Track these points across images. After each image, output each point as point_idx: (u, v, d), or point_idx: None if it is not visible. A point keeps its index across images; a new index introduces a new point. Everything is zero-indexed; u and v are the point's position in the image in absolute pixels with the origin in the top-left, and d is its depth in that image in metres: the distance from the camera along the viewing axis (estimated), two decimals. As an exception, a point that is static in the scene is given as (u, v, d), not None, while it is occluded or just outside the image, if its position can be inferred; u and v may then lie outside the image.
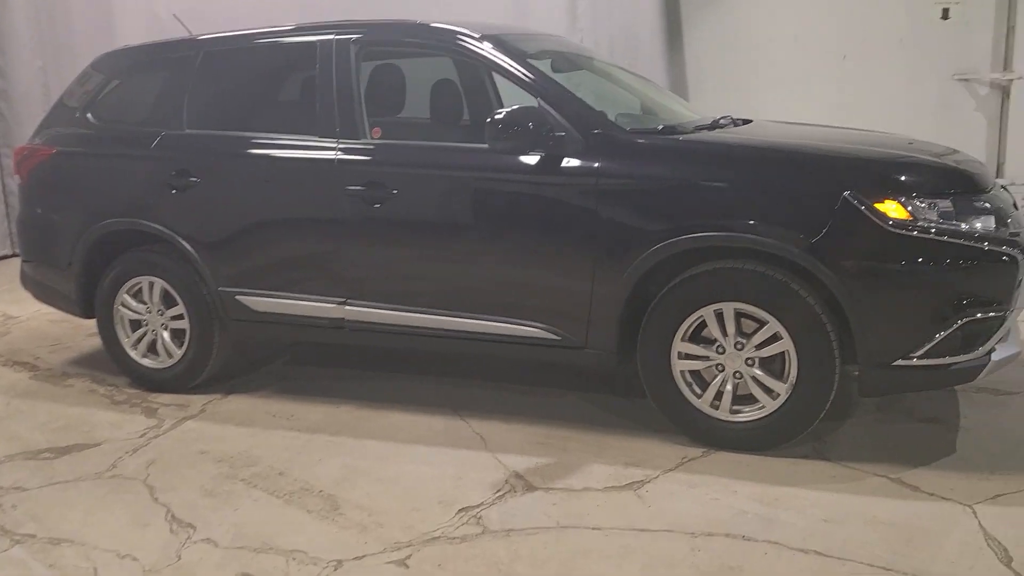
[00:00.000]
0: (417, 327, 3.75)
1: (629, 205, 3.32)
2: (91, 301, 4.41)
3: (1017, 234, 3.13)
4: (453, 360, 4.45)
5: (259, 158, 3.98)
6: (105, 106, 4.45)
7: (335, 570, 2.63)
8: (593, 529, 2.79)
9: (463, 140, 4.37)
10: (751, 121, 3.99)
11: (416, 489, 3.14)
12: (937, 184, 3.12)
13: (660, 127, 3.59)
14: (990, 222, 3.09)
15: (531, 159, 3.43)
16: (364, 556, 2.70)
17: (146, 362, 4.34)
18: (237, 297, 4.06)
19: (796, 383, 3.17)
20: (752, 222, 3.14)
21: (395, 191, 3.68)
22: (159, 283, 4.23)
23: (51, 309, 4.79)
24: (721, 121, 3.87)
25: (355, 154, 3.77)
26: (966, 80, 8.09)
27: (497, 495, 3.05)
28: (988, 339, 3.07)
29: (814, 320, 3.11)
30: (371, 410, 3.94)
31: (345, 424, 3.80)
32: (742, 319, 3.25)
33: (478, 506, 2.98)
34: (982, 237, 3.03)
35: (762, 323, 3.21)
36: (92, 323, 4.46)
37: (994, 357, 3.11)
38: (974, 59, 8.02)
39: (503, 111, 3.34)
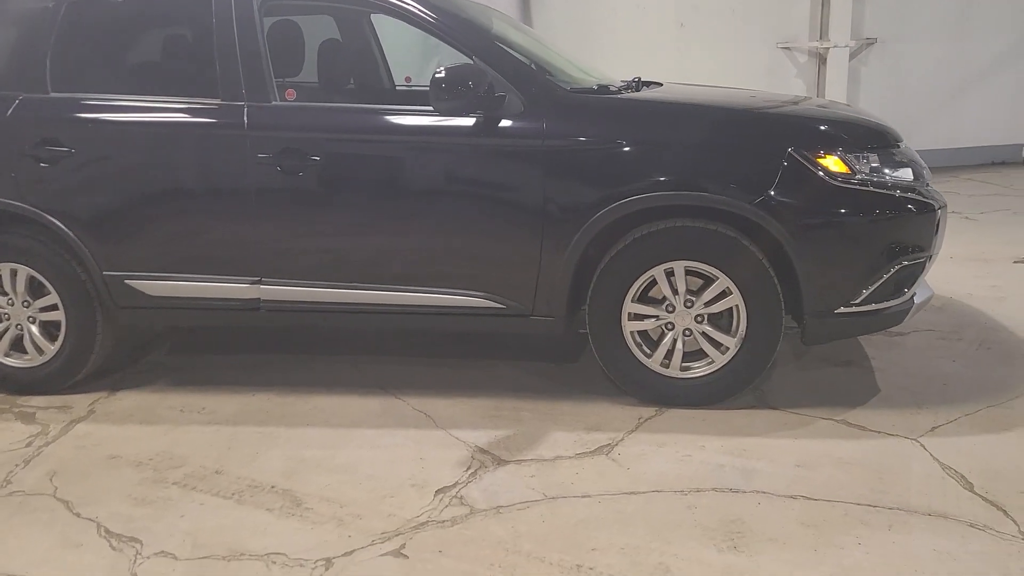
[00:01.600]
0: (347, 304, 3.50)
1: (579, 166, 3.24)
2: (-66, 295, 3.77)
3: (928, 184, 3.36)
4: (361, 337, 4.21)
5: (150, 125, 3.54)
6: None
7: (326, 569, 2.41)
8: (582, 497, 2.73)
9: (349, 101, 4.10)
10: (662, 84, 4.01)
11: (379, 475, 2.93)
12: (864, 139, 3.28)
13: (595, 86, 3.52)
14: (908, 173, 3.28)
15: (472, 120, 3.26)
16: (353, 551, 2.48)
17: (10, 361, 3.79)
18: (127, 281, 3.62)
19: (745, 337, 3.25)
20: (704, 180, 3.16)
21: (316, 158, 3.39)
22: (24, 270, 3.69)
23: None
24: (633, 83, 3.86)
25: (267, 118, 3.43)
26: (788, 48, 8.68)
27: (469, 473, 2.92)
28: (913, 284, 3.29)
29: (763, 274, 3.19)
30: (291, 396, 3.65)
31: (268, 413, 3.49)
32: (687, 277, 3.27)
33: (454, 486, 2.83)
34: (908, 187, 3.21)
35: (709, 279, 3.25)
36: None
37: (916, 300, 3.33)
38: (795, 28, 8.62)
39: (444, 69, 3.15)
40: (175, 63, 3.76)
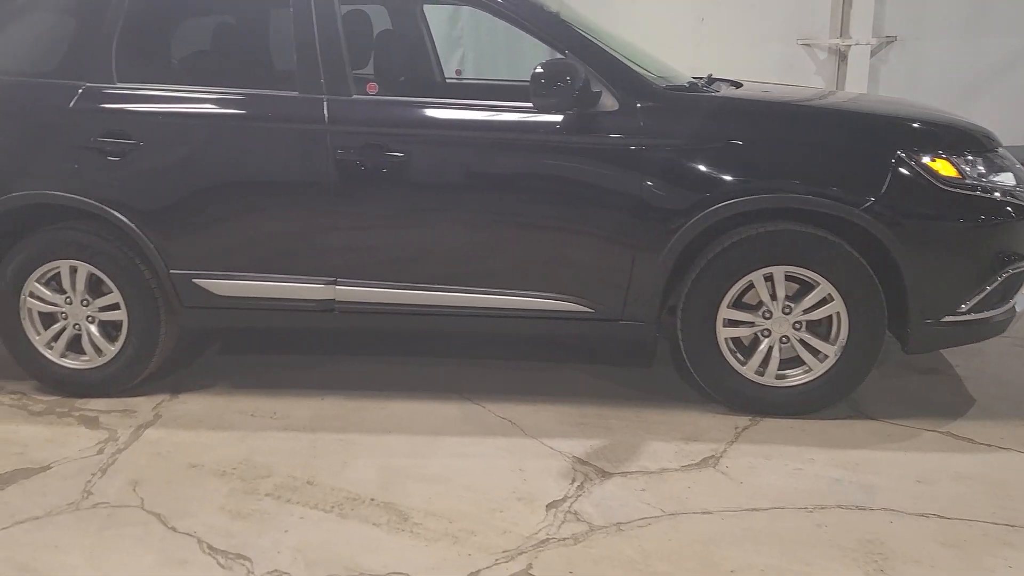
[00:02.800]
0: (427, 306, 3.38)
1: (677, 167, 3.13)
2: (-15, 292, 3.61)
3: None
4: (419, 339, 4.07)
5: (223, 117, 3.38)
6: (-6, 51, 3.60)
7: (456, 592, 2.29)
8: (703, 513, 2.63)
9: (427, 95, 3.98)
10: (740, 83, 3.89)
11: (480, 487, 2.82)
12: (968, 143, 3.19)
13: (687, 83, 3.42)
14: (1010, 178, 3.20)
15: (565, 118, 3.14)
16: (479, 571, 2.37)
17: (67, 362, 3.63)
18: (194, 280, 3.47)
19: (846, 345, 3.15)
20: (810, 183, 3.06)
21: (399, 154, 3.25)
22: (84, 268, 3.53)
23: None
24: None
25: (349, 112, 3.29)
26: (808, 45, 8.61)
27: (576, 486, 2.81)
28: (1017, 291, 3.21)
29: (867, 281, 3.10)
30: (363, 400, 3.53)
31: (345, 420, 3.37)
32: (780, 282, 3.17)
33: (564, 500, 2.72)
34: (1011, 192, 3.13)
35: (807, 285, 3.16)
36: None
37: (1018, 308, 3.25)
38: (815, 25, 8.55)
39: (542, 65, 3.03)
40: (249, 53, 3.61)
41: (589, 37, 3.27)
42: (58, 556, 2.49)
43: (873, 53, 8.52)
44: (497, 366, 3.82)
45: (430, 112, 3.36)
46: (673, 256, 3.16)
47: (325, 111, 3.28)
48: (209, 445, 3.17)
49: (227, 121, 3.38)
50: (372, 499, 2.76)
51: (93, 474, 2.98)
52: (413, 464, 2.99)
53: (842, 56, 8.59)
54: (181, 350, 3.85)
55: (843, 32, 8.49)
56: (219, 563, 2.44)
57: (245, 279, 3.44)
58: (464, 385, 3.63)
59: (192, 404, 3.54)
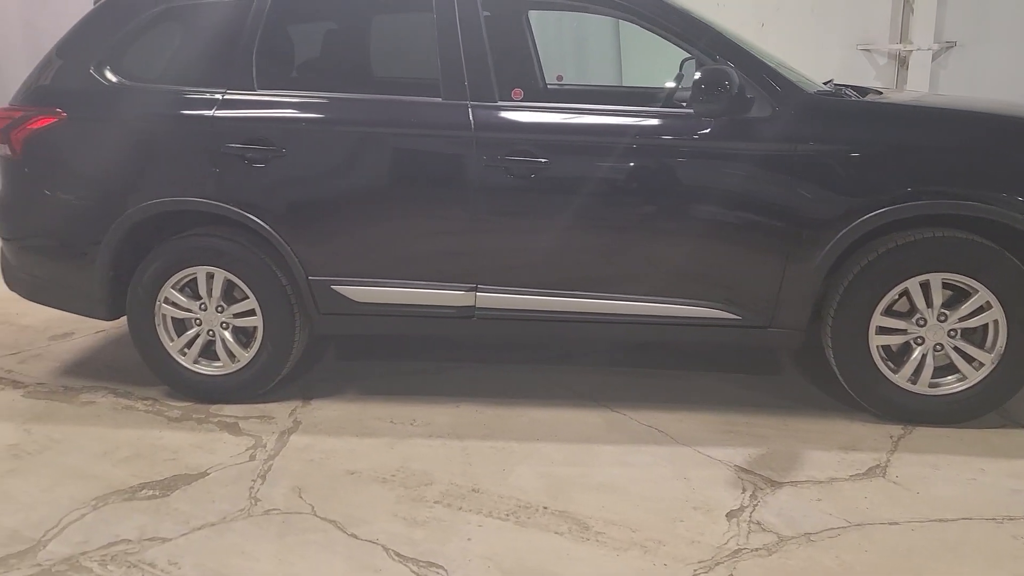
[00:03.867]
0: (569, 312, 3.36)
1: (834, 173, 3.10)
2: (120, 298, 3.63)
3: None
4: (531, 344, 4.05)
5: (369, 124, 3.39)
6: (130, 59, 3.62)
7: (666, 603, 2.27)
8: (890, 524, 2.59)
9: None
10: (878, 90, 3.84)
11: (650, 496, 2.80)
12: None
13: (830, 89, 3.39)
14: None
15: (718, 123, 3.13)
16: (684, 582, 2.35)
17: (200, 368, 3.64)
18: (333, 287, 3.47)
19: (1004, 352, 3.11)
20: (970, 189, 3.03)
21: (544, 160, 3.24)
22: (221, 274, 3.54)
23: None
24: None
25: (494, 119, 3.29)
26: (868, 50, 8.54)
27: (748, 495, 2.78)
28: None
29: (1027, 288, 3.05)
30: (498, 408, 3.51)
31: (488, 427, 3.36)
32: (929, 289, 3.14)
33: (742, 510, 2.70)
34: None
35: (962, 292, 3.12)
36: (50, 321, 4.20)
37: None
38: (875, 30, 8.48)
39: (701, 71, 3.02)
40: (391, 59, 3.61)
41: (741, 44, 3.25)
42: (247, 563, 2.48)
43: (934, 58, 8.44)
44: (625, 373, 3.81)
45: (575, 118, 3.35)
46: (828, 263, 3.14)
47: (471, 117, 3.27)
48: (359, 452, 3.17)
49: (370, 127, 3.38)
50: (545, 507, 2.74)
51: (253, 480, 2.98)
52: (575, 472, 2.97)
53: (902, 61, 8.52)
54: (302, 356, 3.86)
55: (903, 37, 8.42)
56: (412, 571, 2.42)
57: (385, 285, 3.44)
58: (598, 392, 3.61)
59: (327, 411, 3.54)
